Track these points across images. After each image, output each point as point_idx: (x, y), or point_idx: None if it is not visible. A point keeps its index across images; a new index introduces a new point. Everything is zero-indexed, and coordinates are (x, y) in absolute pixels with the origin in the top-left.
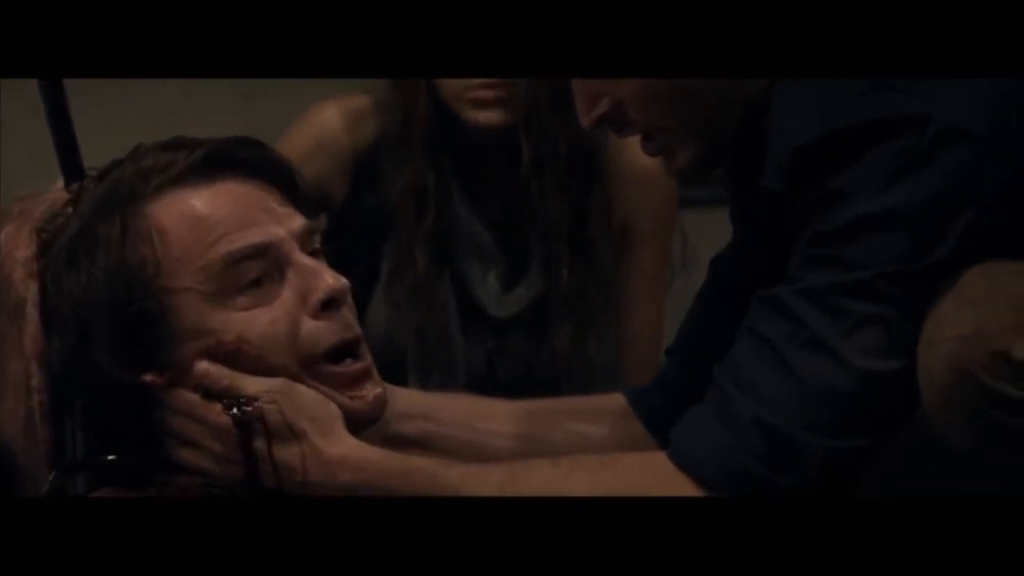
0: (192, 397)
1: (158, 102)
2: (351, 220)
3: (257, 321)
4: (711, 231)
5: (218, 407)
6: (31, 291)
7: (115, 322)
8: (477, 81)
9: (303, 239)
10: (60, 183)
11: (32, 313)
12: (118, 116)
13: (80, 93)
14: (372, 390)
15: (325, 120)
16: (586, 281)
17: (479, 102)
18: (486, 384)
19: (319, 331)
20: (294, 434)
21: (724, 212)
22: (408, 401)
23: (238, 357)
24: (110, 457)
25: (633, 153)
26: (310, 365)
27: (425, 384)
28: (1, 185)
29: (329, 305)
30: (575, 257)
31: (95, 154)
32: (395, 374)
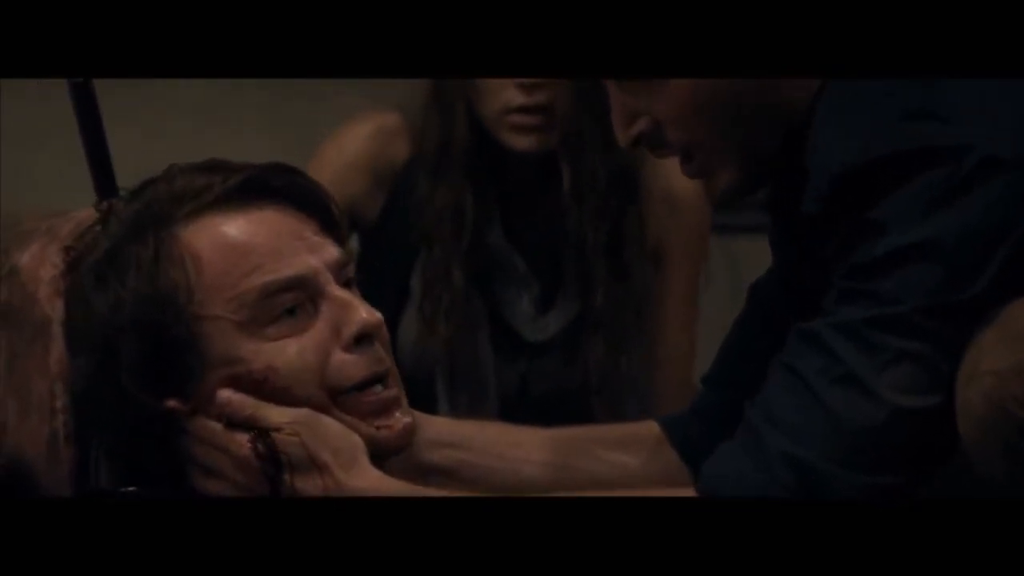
0: (215, 426)
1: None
2: (383, 238)
3: (287, 351)
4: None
5: (241, 437)
6: (57, 310)
7: (142, 345)
8: (515, 105)
9: (337, 270)
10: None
11: (58, 332)
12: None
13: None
14: (400, 419)
15: (358, 139)
16: (620, 301)
17: (517, 127)
18: (517, 405)
19: (349, 365)
20: (316, 466)
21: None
22: (437, 429)
23: (264, 386)
24: (131, 488)
25: (668, 177)
26: (337, 396)
27: (455, 403)
28: (1, 185)
29: (362, 340)
30: (610, 278)
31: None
32: (425, 393)
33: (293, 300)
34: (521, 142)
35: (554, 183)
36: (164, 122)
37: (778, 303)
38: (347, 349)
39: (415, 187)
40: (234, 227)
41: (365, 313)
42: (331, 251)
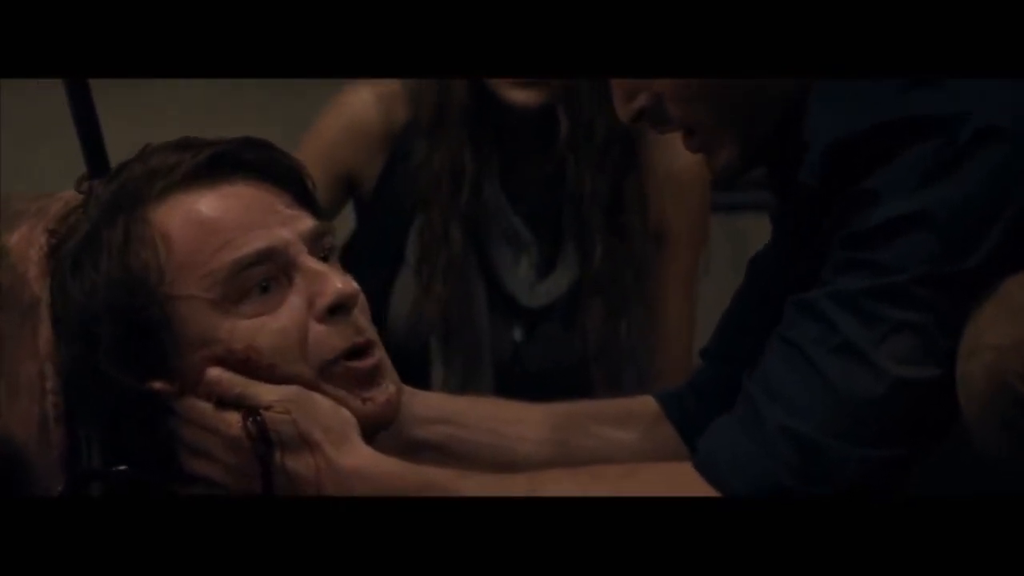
0: (204, 406)
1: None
2: (379, 205)
3: (265, 329)
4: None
5: (231, 417)
6: (45, 291)
7: (118, 330)
8: None
9: (312, 241)
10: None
11: (46, 314)
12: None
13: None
14: (385, 391)
15: (358, 103)
16: (619, 262)
17: (516, 81)
18: (513, 371)
19: (327, 337)
20: (308, 445)
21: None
22: (429, 404)
23: (249, 366)
24: (122, 467)
25: (670, 155)
26: (322, 370)
27: (449, 369)
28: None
29: (336, 310)
30: (610, 238)
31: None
32: (419, 361)
33: (265, 273)
34: (520, 96)
35: (553, 141)
36: (165, 122)
37: (777, 277)
38: (321, 320)
39: (412, 152)
40: (204, 204)
41: (340, 283)
42: (305, 222)
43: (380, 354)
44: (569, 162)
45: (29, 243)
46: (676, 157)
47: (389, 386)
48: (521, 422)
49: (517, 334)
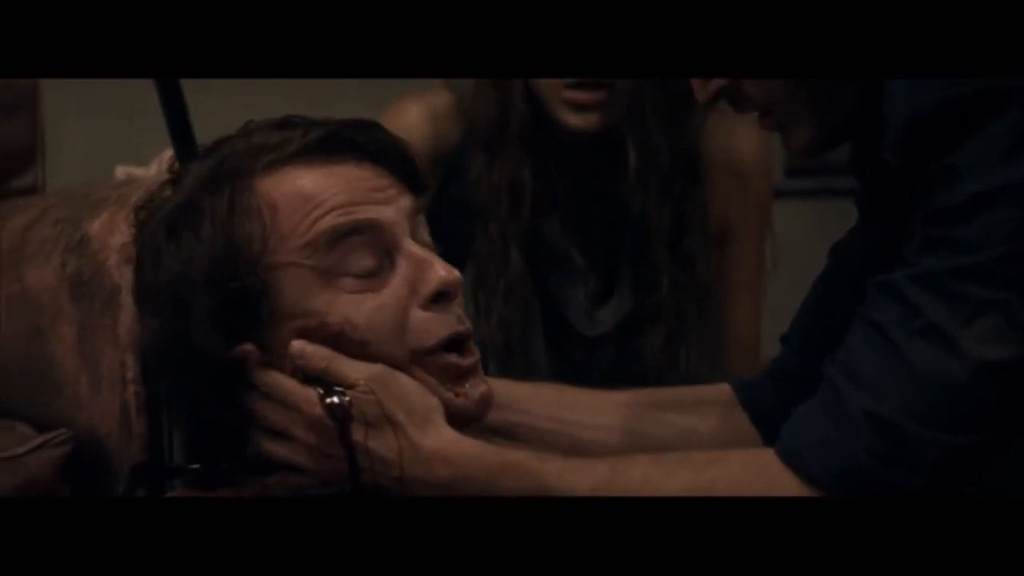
0: (286, 381)
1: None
2: (434, 226)
3: (364, 306)
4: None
5: (313, 394)
6: (126, 278)
7: (213, 298)
8: (571, 81)
9: (414, 224)
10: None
11: (127, 301)
12: None
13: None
14: (478, 387)
15: (408, 119)
16: (683, 293)
17: (573, 104)
18: None
19: (430, 323)
20: (391, 425)
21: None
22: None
23: (340, 341)
24: (194, 466)
25: (730, 148)
26: (419, 357)
27: None
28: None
29: (440, 298)
30: (673, 267)
31: None
32: None
33: (367, 252)
34: (576, 120)
35: (612, 165)
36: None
37: (861, 260)
38: (425, 307)
39: (467, 169)
40: (311, 179)
41: (443, 271)
42: (406, 202)
43: (476, 351)
44: (636, 195)
45: (110, 231)
46: (736, 149)
47: (482, 384)
48: (586, 408)
49: (574, 360)
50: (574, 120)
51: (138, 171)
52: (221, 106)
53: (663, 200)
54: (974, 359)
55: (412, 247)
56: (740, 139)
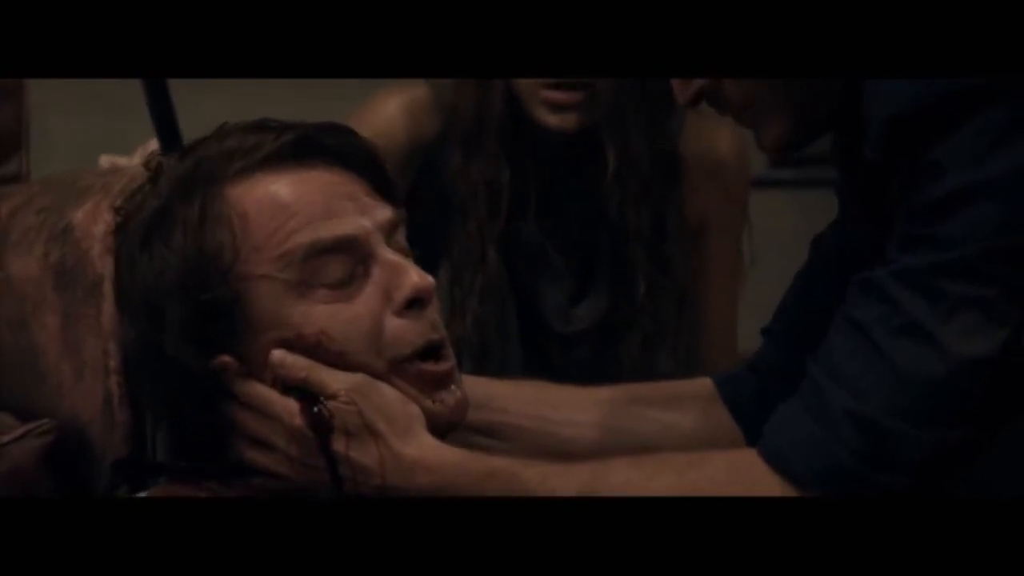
0: (267, 391)
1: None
2: (410, 220)
3: (339, 316)
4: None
5: (294, 405)
6: (109, 268)
7: (186, 308)
8: (551, 81)
9: (389, 232)
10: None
11: (110, 291)
12: None
13: None
14: (454, 394)
15: (386, 113)
16: (662, 296)
17: (552, 104)
18: None
19: (404, 331)
20: (372, 435)
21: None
22: (470, 390)
23: (318, 352)
24: (177, 463)
25: (709, 148)
26: (396, 365)
27: None
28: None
29: (414, 304)
30: (651, 268)
31: None
32: None
33: (342, 263)
34: (554, 120)
35: (589, 165)
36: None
37: (842, 255)
38: (399, 314)
39: (444, 164)
40: (283, 186)
41: (417, 277)
42: (383, 213)
43: (452, 357)
44: (614, 196)
45: (94, 219)
46: (714, 149)
47: (458, 390)
48: (566, 405)
49: (550, 358)
50: (552, 120)
51: (122, 160)
52: (209, 101)
53: (641, 202)
54: (955, 356)
55: (386, 253)
56: (719, 139)
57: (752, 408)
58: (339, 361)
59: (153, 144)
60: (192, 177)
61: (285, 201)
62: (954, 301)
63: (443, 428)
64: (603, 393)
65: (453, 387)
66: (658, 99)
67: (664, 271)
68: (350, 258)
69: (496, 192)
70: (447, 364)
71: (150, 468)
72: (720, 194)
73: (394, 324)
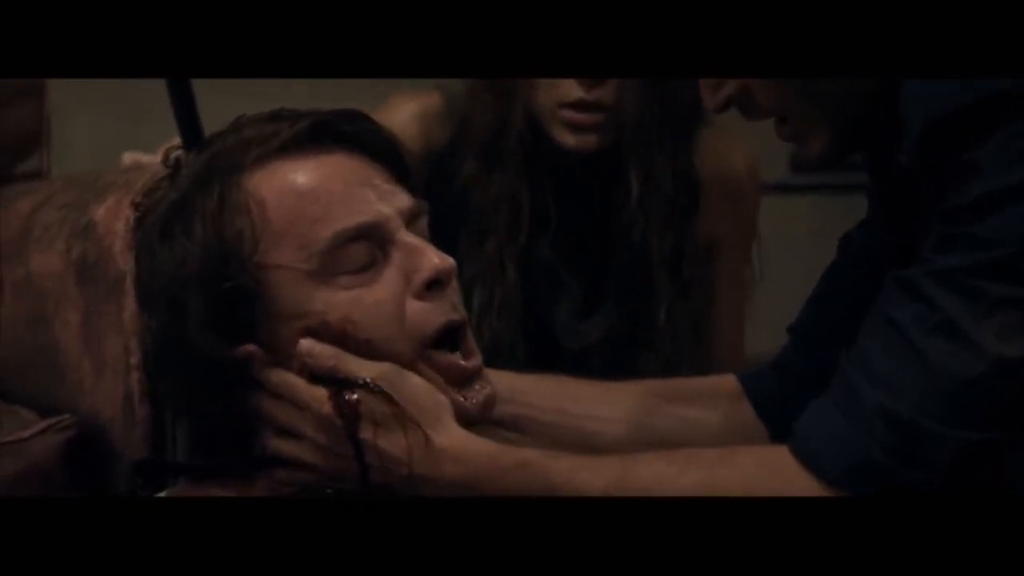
0: (295, 380)
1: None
2: None
3: (362, 302)
4: None
5: (322, 393)
6: (130, 264)
7: (208, 298)
8: (571, 99)
9: (408, 219)
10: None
11: (131, 288)
12: None
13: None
14: (483, 390)
15: (399, 118)
16: (680, 318)
17: (570, 124)
18: None
19: (425, 312)
20: (400, 423)
21: None
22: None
23: (345, 339)
24: (198, 462)
25: (724, 167)
26: (423, 351)
27: None
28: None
29: (434, 285)
30: (674, 291)
31: None
32: None
33: (363, 249)
34: (572, 140)
35: (606, 186)
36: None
37: (871, 255)
38: (419, 296)
39: (456, 172)
40: (302, 173)
41: (436, 258)
42: (402, 199)
43: (479, 353)
44: (638, 223)
45: (115, 216)
46: (730, 168)
47: (487, 386)
48: (591, 400)
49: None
50: (571, 140)
51: (145, 157)
52: (231, 101)
53: (665, 226)
54: (991, 356)
55: (405, 236)
56: (734, 158)
57: (776, 405)
58: (366, 349)
59: (177, 143)
60: (210, 168)
61: (303, 188)
62: (991, 301)
63: (469, 423)
64: (628, 388)
65: (482, 384)
66: (680, 120)
67: (685, 294)
68: (370, 244)
69: (516, 209)
70: (475, 361)
71: (171, 468)
72: (733, 212)
73: (414, 307)
